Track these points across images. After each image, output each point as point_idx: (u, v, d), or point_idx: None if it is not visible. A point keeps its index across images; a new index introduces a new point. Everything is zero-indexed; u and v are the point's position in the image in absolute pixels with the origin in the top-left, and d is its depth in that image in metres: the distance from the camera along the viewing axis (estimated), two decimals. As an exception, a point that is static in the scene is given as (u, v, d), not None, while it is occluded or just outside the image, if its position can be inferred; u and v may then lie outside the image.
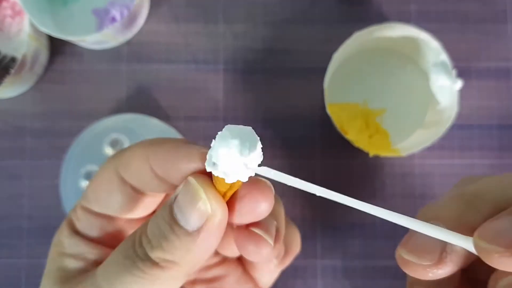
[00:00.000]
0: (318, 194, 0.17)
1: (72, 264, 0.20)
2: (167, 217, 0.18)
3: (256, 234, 0.19)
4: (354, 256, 0.37)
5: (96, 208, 0.21)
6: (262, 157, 0.17)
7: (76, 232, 0.21)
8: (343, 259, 0.37)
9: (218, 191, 0.18)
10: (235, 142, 0.16)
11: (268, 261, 0.22)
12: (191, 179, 0.17)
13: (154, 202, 0.22)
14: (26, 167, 0.37)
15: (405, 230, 0.17)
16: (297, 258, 0.37)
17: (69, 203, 0.37)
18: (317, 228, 0.37)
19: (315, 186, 0.17)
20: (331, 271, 0.37)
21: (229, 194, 0.18)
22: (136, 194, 0.20)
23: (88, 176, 0.36)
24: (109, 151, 0.37)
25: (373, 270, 0.37)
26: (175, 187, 0.20)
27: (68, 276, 0.20)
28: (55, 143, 0.37)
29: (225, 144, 0.16)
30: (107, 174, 0.20)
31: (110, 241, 0.21)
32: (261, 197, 0.18)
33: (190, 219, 0.17)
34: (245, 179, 0.17)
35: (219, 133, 0.16)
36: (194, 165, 0.18)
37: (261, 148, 0.17)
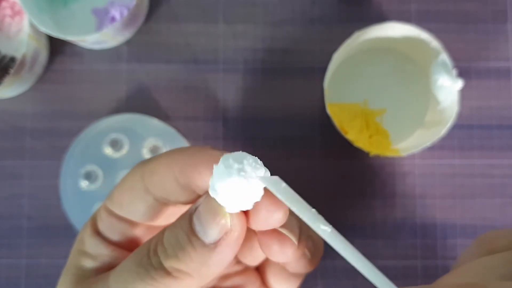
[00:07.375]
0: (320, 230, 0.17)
1: (89, 263, 0.20)
2: (186, 228, 0.18)
3: (280, 233, 0.20)
4: (354, 256, 0.37)
5: (119, 212, 0.21)
6: (266, 171, 0.17)
7: (97, 232, 0.21)
8: (343, 259, 0.37)
9: None
10: (234, 167, 0.16)
11: (292, 261, 0.22)
12: None
13: (176, 213, 0.22)
14: (26, 167, 0.37)
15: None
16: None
17: (69, 203, 0.37)
18: (317, 228, 0.37)
19: (321, 221, 0.17)
20: (331, 271, 0.37)
21: None
22: (158, 204, 0.20)
23: (88, 176, 0.36)
24: (108, 151, 0.37)
25: (373, 270, 0.37)
26: (198, 197, 0.20)
27: (84, 276, 0.20)
28: (55, 143, 0.37)
29: (225, 174, 0.16)
30: (132, 180, 0.20)
31: (128, 245, 0.21)
32: (274, 208, 0.18)
33: (209, 232, 0.17)
34: (250, 207, 0.17)
35: (215, 166, 0.17)
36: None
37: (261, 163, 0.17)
